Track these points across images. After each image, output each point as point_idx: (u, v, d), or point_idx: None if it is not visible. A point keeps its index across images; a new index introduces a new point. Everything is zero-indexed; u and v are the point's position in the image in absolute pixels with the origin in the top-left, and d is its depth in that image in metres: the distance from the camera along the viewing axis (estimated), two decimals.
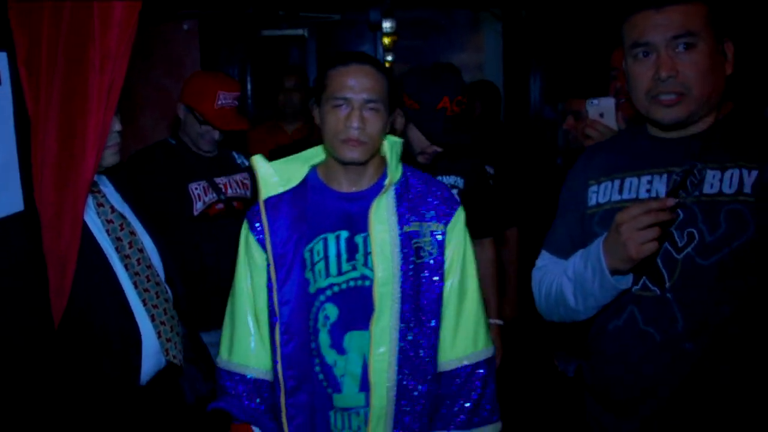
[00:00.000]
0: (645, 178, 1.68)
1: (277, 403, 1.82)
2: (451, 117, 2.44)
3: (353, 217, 1.82)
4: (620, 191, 1.71)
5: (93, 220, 1.93)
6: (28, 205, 1.62)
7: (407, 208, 1.82)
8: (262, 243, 1.83)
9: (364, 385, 1.79)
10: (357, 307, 1.79)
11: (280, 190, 1.83)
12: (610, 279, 1.59)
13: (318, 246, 1.81)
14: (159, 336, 1.98)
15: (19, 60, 1.57)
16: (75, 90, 1.54)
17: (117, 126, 1.92)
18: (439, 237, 1.83)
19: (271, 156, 3.35)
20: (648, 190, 1.66)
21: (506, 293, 3.31)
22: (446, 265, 1.84)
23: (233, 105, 2.92)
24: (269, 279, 1.80)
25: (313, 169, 1.90)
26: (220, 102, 2.85)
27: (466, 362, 1.86)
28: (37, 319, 1.66)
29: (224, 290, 2.90)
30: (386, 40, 6.47)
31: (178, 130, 3.01)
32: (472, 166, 2.76)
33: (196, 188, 2.87)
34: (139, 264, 2.00)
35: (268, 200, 1.82)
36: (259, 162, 1.84)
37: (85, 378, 1.84)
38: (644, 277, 1.63)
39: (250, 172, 3.02)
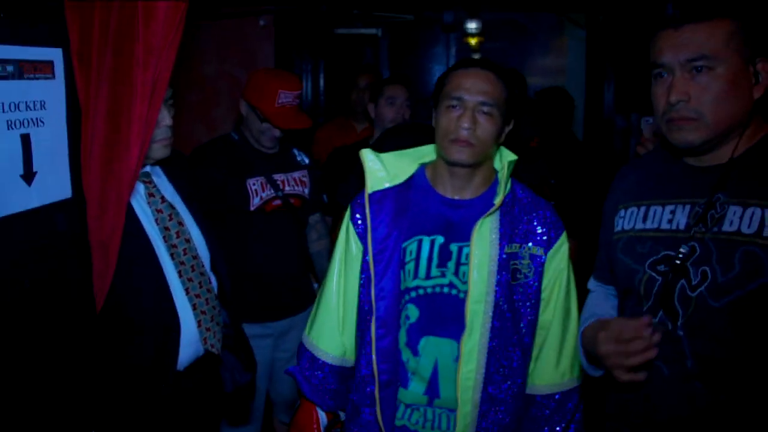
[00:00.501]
0: (669, 208, 1.62)
1: (368, 393, 1.85)
2: (540, 154, 2.48)
3: (452, 224, 1.82)
4: (644, 219, 1.66)
5: (143, 209, 2.00)
6: (77, 192, 1.69)
7: (511, 228, 1.80)
8: (362, 236, 1.86)
9: (429, 390, 1.81)
10: (438, 313, 1.80)
11: (386, 185, 1.85)
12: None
13: (412, 246, 1.82)
14: (199, 325, 2.04)
15: (72, 53, 1.63)
16: (121, 84, 1.60)
17: (167, 120, 1.99)
18: (539, 261, 1.81)
19: (334, 154, 3.39)
20: (670, 221, 1.60)
21: None
22: (545, 291, 1.83)
23: (294, 104, 2.95)
24: (366, 273, 1.83)
25: (422, 168, 1.91)
26: (280, 101, 2.88)
27: (563, 389, 1.87)
28: (80, 303, 1.73)
29: (274, 285, 2.98)
30: (473, 41, 6.45)
31: (240, 125, 3.07)
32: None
33: (254, 183, 2.93)
34: (185, 254, 2.06)
35: (373, 195, 1.83)
36: (367, 155, 1.86)
37: (123, 360, 1.91)
38: (661, 311, 1.57)
39: (309, 169, 3.07)
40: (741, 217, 1.47)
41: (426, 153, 1.93)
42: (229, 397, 2.29)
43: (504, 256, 1.77)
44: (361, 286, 1.85)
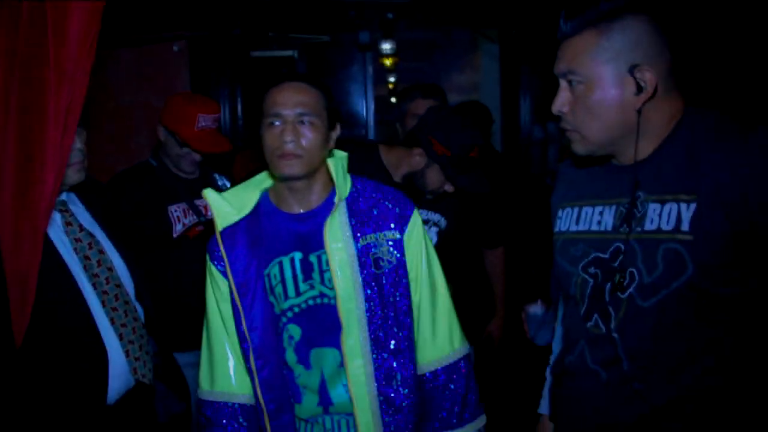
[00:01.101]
0: (597, 209, 1.61)
1: (262, 427, 1.83)
2: (478, 164, 2.50)
3: (305, 237, 1.83)
4: (577, 221, 1.66)
5: (60, 239, 1.94)
6: None
7: (360, 220, 1.83)
8: (223, 272, 1.85)
9: (321, 400, 1.81)
10: (318, 325, 1.81)
11: (235, 218, 1.84)
12: None
13: (274, 270, 1.83)
14: (127, 355, 1.98)
15: None
16: (32, 110, 1.55)
17: (78, 144, 1.93)
18: (397, 244, 1.85)
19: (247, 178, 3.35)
20: (599, 222, 1.60)
21: (494, 315, 3.32)
22: (411, 272, 1.86)
23: (213, 126, 2.92)
24: (235, 307, 1.81)
25: (265, 194, 1.91)
26: (200, 124, 2.85)
27: (446, 362, 1.90)
28: None
29: (202, 312, 2.92)
30: (387, 62, 6.51)
31: (159, 150, 3.00)
32: (456, 206, 2.79)
33: (176, 210, 2.88)
34: (107, 283, 2.01)
35: (224, 231, 1.83)
36: (210, 194, 1.87)
37: (50, 397, 1.83)
38: (596, 314, 1.57)
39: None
40: (660, 214, 1.46)
41: (264, 179, 1.94)
42: (164, 428, 2.23)
43: (361, 249, 1.80)
44: (235, 321, 1.84)
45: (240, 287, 1.80)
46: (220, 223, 1.84)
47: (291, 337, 1.83)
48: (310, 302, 1.82)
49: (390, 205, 1.87)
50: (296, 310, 1.82)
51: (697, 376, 1.44)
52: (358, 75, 7.51)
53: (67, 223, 1.99)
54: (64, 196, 2.01)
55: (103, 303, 1.97)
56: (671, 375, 1.46)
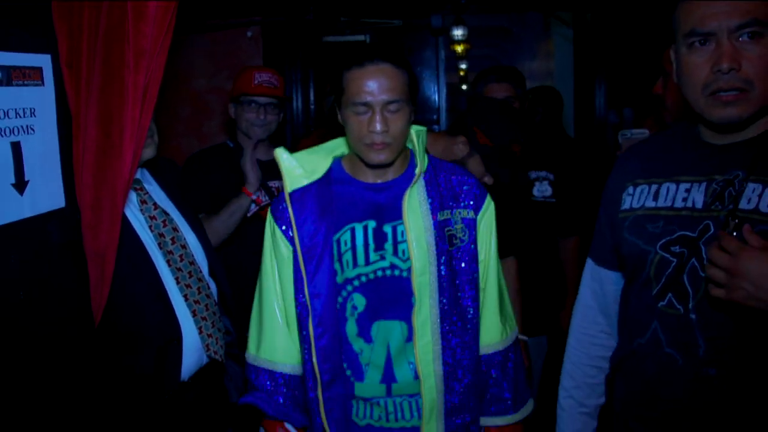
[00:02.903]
0: (683, 186, 1.54)
1: (312, 397, 1.81)
2: (519, 161, 2.46)
3: (381, 207, 1.80)
4: (656, 197, 1.59)
5: (136, 217, 1.98)
6: (70, 202, 1.66)
7: (438, 196, 1.80)
8: (289, 237, 1.82)
9: (385, 377, 1.78)
10: (385, 296, 1.78)
11: (305, 182, 1.81)
12: None
13: (345, 236, 1.79)
14: (200, 332, 2.01)
15: (61, 61, 1.61)
16: (112, 89, 1.57)
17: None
18: (470, 224, 1.83)
19: None
20: (684, 199, 1.52)
21: (565, 306, 3.25)
22: (481, 254, 1.85)
23: (272, 84, 3.06)
24: (298, 272, 1.79)
25: (337, 161, 1.88)
26: (257, 80, 3.01)
27: (502, 346, 1.91)
28: (77, 315, 1.70)
29: None
30: (459, 48, 6.46)
31: (234, 133, 3.09)
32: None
33: None
34: (181, 260, 2.03)
35: (293, 193, 1.80)
36: (282, 154, 1.82)
37: (125, 373, 1.87)
38: (670, 293, 1.50)
39: None
40: (760, 195, 1.39)
41: (336, 146, 1.90)
42: (234, 408, 2.25)
43: (437, 224, 1.77)
44: (295, 287, 1.81)
45: (306, 252, 1.77)
46: (290, 185, 1.80)
47: (354, 308, 1.79)
48: (379, 273, 1.78)
49: (467, 185, 1.86)
50: (363, 279, 1.79)
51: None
52: (430, 60, 7.45)
53: (142, 201, 2.02)
54: (138, 174, 2.05)
55: (177, 280, 2.00)
56: (748, 363, 1.39)
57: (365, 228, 1.79)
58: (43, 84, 1.57)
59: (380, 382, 1.79)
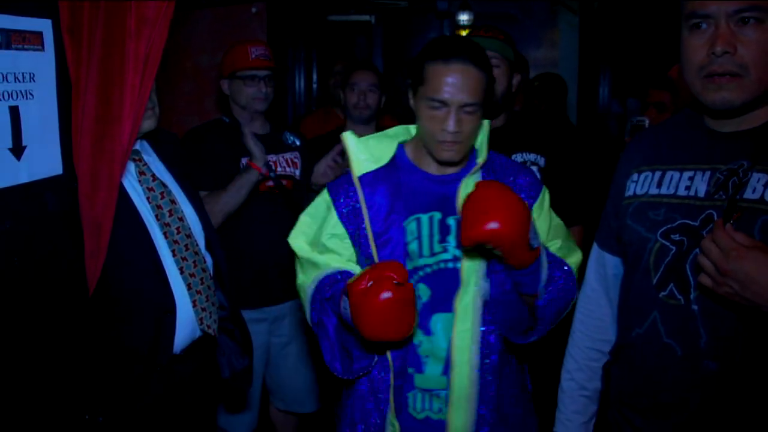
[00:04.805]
0: (687, 174, 1.53)
1: (381, 387, 1.81)
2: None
3: (446, 198, 1.79)
4: (659, 185, 1.58)
5: (134, 187, 1.97)
6: (67, 169, 1.65)
7: None
8: (346, 219, 1.81)
9: (447, 369, 1.77)
10: (447, 288, 1.77)
11: (373, 167, 1.81)
12: None
13: (411, 225, 1.79)
14: (194, 305, 2.00)
15: (62, 26, 1.60)
16: (113, 57, 1.56)
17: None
18: None
19: (310, 144, 3.36)
20: (687, 187, 1.51)
21: None
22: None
23: (267, 55, 3.07)
24: (369, 257, 1.78)
25: (401, 147, 1.87)
26: (253, 55, 3.03)
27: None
28: (72, 284, 1.69)
29: (268, 267, 2.96)
30: (464, 33, 6.42)
31: (229, 108, 3.10)
32: None
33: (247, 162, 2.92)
34: (178, 232, 2.02)
35: (363, 177, 1.79)
36: (349, 138, 1.83)
37: (118, 343, 1.87)
38: (672, 283, 1.50)
39: (301, 150, 3.06)
40: (765, 185, 1.38)
41: (401, 133, 1.90)
42: (226, 383, 2.25)
43: None
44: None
45: (378, 236, 1.76)
46: (359, 169, 1.80)
47: (419, 297, 1.78)
48: (442, 265, 1.78)
49: (524, 178, 1.85)
50: (428, 270, 1.78)
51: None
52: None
53: (141, 173, 2.01)
54: (137, 146, 2.04)
55: (173, 252, 1.99)
56: (749, 356, 1.39)
57: (431, 219, 1.79)
58: (43, 49, 1.56)
59: (441, 374, 1.79)
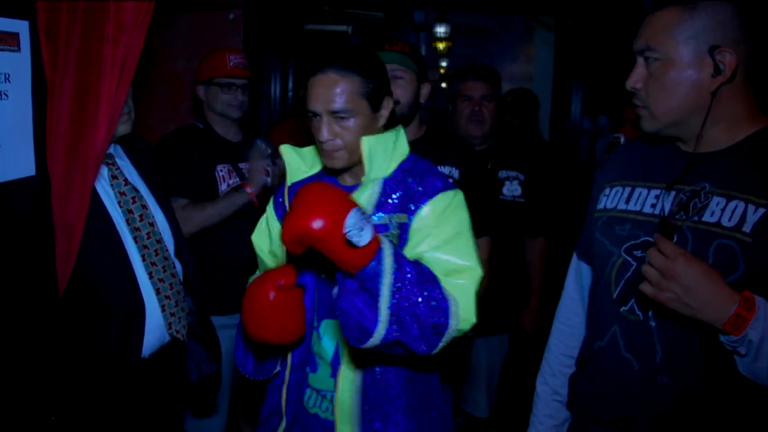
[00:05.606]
0: (654, 192, 1.57)
1: (277, 381, 1.87)
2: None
3: None
4: (627, 200, 1.62)
5: (105, 191, 1.97)
6: (40, 170, 1.65)
7: (387, 202, 1.74)
8: (281, 218, 1.88)
9: (335, 372, 1.80)
10: (331, 295, 1.80)
11: (304, 175, 1.88)
12: None
13: None
14: (163, 310, 2.01)
15: (39, 28, 1.60)
16: (89, 60, 1.57)
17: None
18: (406, 229, 1.72)
19: None
20: (653, 205, 1.55)
21: (530, 304, 3.29)
22: (408, 251, 1.69)
23: (244, 63, 3.09)
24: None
25: None
26: (232, 63, 3.04)
27: None
28: (41, 285, 1.69)
29: (239, 273, 2.95)
30: (441, 45, 6.48)
31: (203, 113, 3.11)
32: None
33: (222, 170, 2.96)
34: (148, 237, 2.03)
35: (292, 186, 1.86)
36: (285, 150, 1.88)
37: (86, 346, 1.87)
38: (633, 299, 1.54)
39: (273, 159, 3.07)
40: (723, 209, 1.42)
41: None
42: (194, 388, 2.26)
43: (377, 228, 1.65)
44: None
45: None
46: (290, 178, 1.87)
47: (319, 300, 1.84)
48: None
49: (425, 184, 1.74)
50: (323, 276, 1.83)
51: (726, 379, 1.40)
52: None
53: (113, 177, 2.01)
54: (111, 149, 2.04)
55: (143, 257, 1.99)
56: (703, 376, 1.43)
57: None
58: (19, 50, 1.56)
59: (329, 377, 1.81)
